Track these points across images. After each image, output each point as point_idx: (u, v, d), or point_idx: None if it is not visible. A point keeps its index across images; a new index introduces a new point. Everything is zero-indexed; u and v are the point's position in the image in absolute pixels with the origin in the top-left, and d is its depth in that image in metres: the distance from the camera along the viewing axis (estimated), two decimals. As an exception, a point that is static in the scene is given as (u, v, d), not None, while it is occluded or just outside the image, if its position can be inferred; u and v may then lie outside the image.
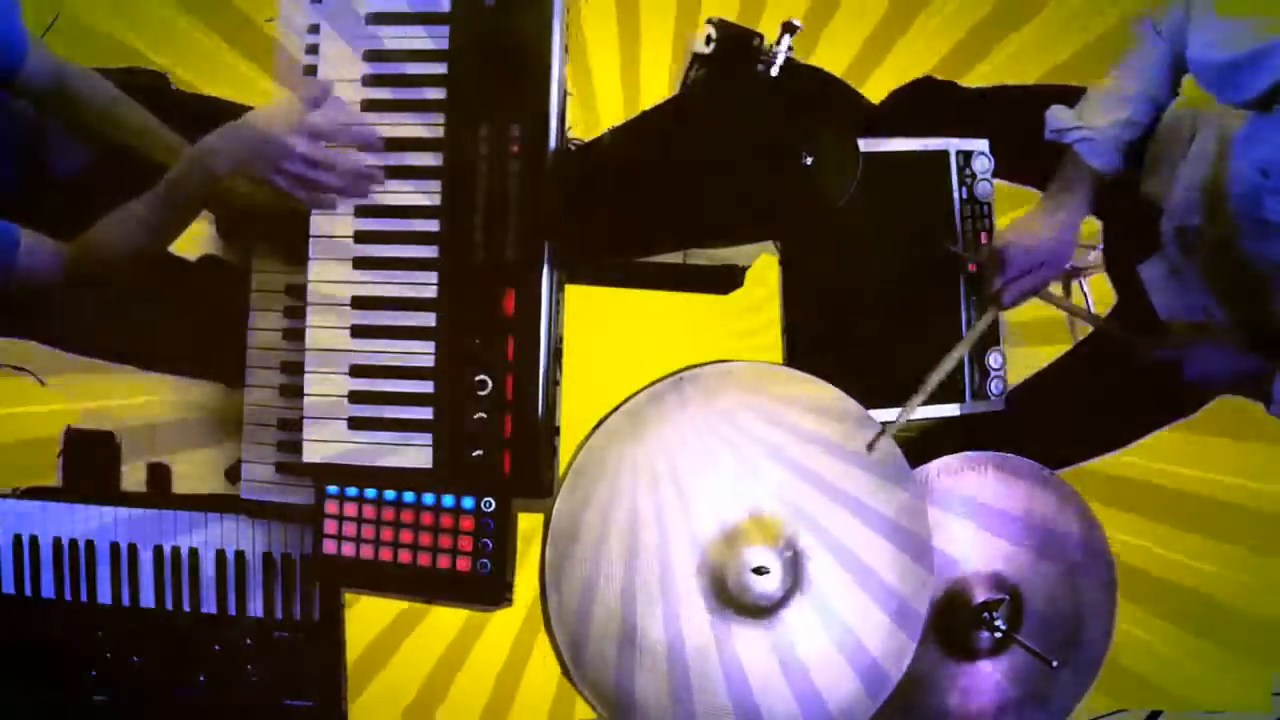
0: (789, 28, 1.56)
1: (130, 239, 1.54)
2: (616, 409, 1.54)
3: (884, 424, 1.62)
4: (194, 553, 1.78)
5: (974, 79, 2.24)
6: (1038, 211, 1.77)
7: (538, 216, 1.58)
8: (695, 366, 1.57)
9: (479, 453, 1.57)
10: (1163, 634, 2.36)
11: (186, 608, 1.77)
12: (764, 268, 1.94)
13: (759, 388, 1.58)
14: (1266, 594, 2.38)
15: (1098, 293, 2.19)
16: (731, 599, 1.53)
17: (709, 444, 1.54)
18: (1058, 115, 1.74)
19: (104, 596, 1.77)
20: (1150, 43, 1.68)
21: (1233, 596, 2.40)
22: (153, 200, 1.53)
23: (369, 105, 1.62)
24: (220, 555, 1.77)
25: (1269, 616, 2.38)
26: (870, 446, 1.60)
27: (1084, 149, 1.70)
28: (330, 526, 1.60)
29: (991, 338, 1.86)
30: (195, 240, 1.90)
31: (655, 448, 1.53)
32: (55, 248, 1.52)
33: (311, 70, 1.64)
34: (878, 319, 1.84)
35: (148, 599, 1.78)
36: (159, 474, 1.95)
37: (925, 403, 1.72)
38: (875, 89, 2.10)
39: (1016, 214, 1.82)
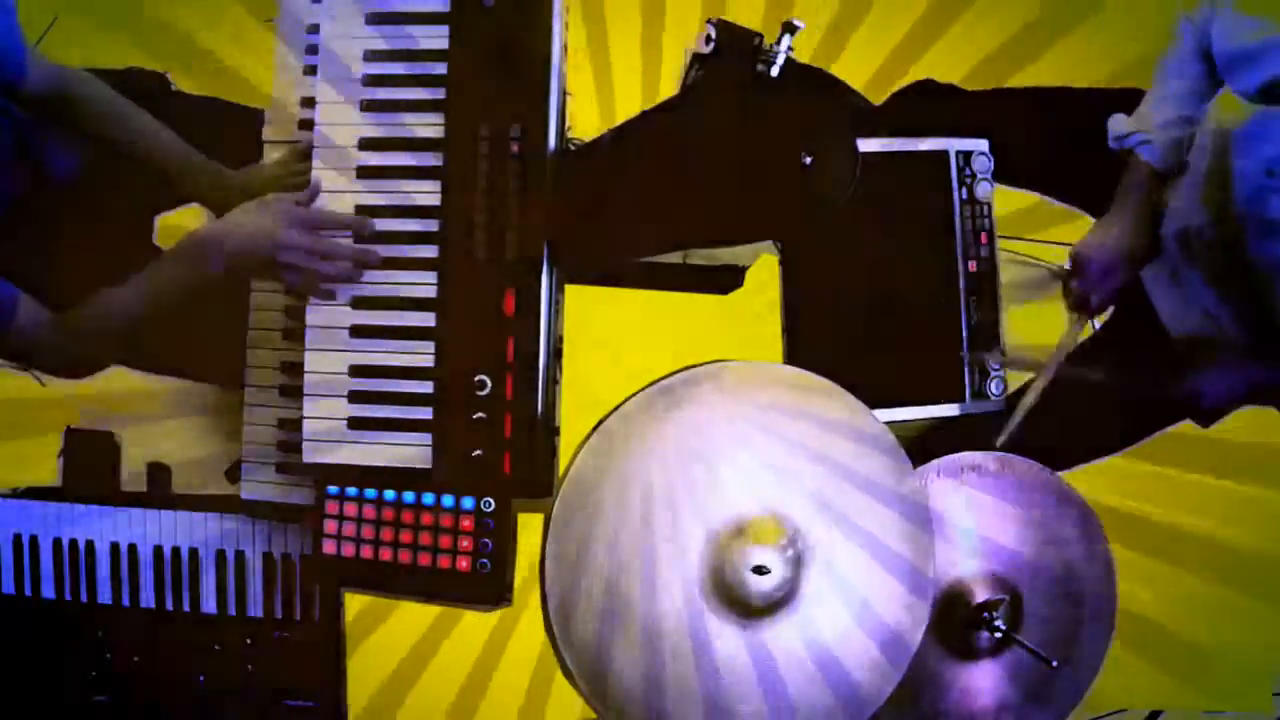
0: (789, 28, 1.56)
1: (117, 322, 1.57)
2: (653, 384, 1.53)
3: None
4: (194, 553, 1.77)
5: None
6: (1109, 217, 1.80)
7: (538, 216, 1.58)
8: (740, 361, 1.57)
9: (479, 453, 1.57)
10: (1165, 631, 2.36)
11: (186, 608, 1.77)
12: (765, 269, 1.94)
13: (788, 390, 1.57)
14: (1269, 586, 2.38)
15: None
16: (727, 594, 1.53)
17: (730, 436, 1.54)
18: (1117, 123, 1.76)
19: (104, 596, 1.77)
20: (1186, 38, 1.71)
21: (1237, 588, 2.39)
22: (142, 286, 1.55)
23: (368, 105, 1.62)
24: (220, 555, 1.77)
25: (1272, 610, 2.37)
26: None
27: (1144, 151, 1.73)
28: (330, 526, 1.60)
29: (992, 338, 1.86)
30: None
31: (680, 430, 1.53)
32: (48, 318, 1.54)
33: (311, 70, 1.65)
34: (878, 319, 1.84)
35: (148, 599, 1.78)
36: (159, 474, 1.95)
37: (923, 403, 1.73)
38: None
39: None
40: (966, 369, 1.84)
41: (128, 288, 1.54)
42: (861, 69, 2.18)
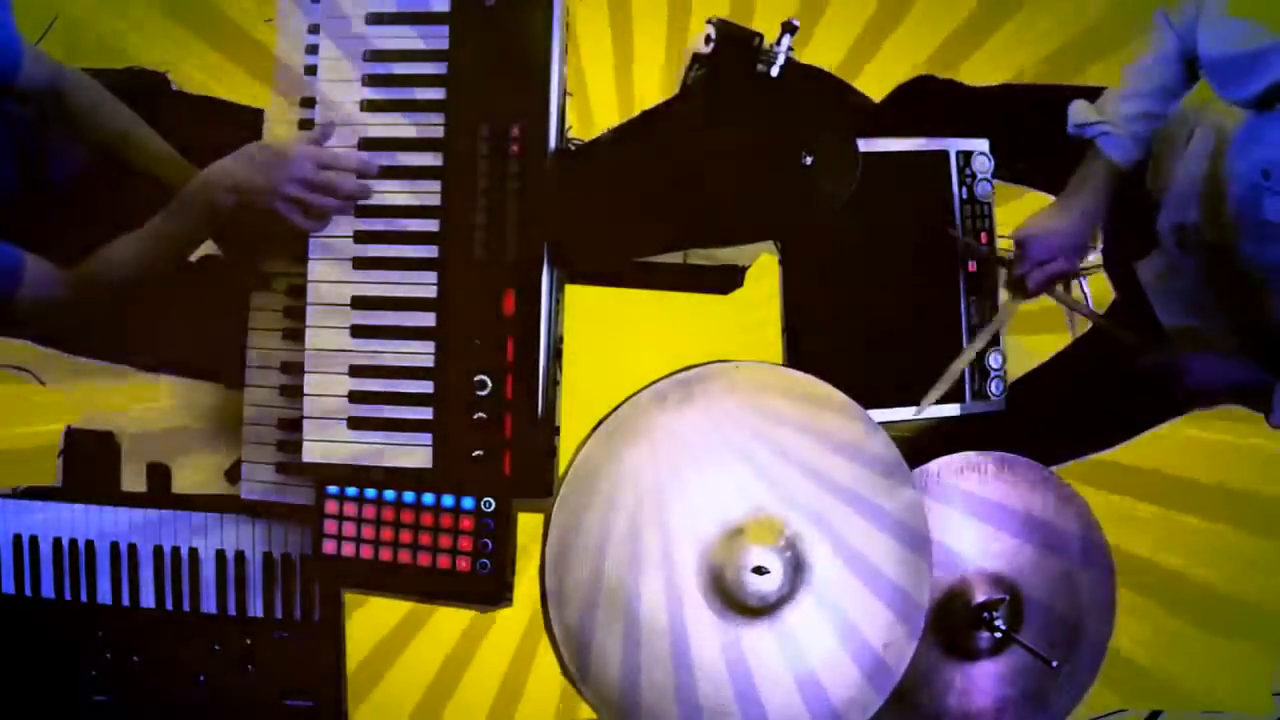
0: (789, 27, 1.56)
1: (127, 270, 1.56)
2: (669, 376, 1.54)
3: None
4: (194, 553, 1.77)
5: (968, 71, 2.24)
6: (1058, 202, 1.78)
7: (538, 216, 1.58)
8: (753, 362, 1.58)
9: (479, 453, 1.57)
10: (1164, 631, 2.36)
11: (186, 608, 1.77)
12: (764, 268, 1.94)
13: (795, 394, 1.57)
14: (1268, 587, 2.38)
15: (1097, 292, 2.19)
16: (727, 594, 1.53)
17: (735, 437, 1.54)
18: (1079, 110, 1.74)
19: (104, 596, 1.77)
20: (1164, 35, 1.69)
21: (1235, 589, 2.39)
22: (151, 232, 1.55)
23: (368, 105, 1.62)
24: (220, 555, 1.77)
25: (1271, 611, 2.38)
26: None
27: (1104, 142, 1.71)
28: (330, 526, 1.60)
29: (992, 338, 1.86)
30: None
31: (683, 429, 1.53)
32: (57, 274, 1.53)
33: (311, 70, 1.64)
34: (878, 319, 1.84)
35: (148, 599, 1.78)
36: (159, 474, 1.95)
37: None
38: (866, 85, 2.10)
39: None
40: (967, 370, 1.84)
41: (138, 233, 1.54)
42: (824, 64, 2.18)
